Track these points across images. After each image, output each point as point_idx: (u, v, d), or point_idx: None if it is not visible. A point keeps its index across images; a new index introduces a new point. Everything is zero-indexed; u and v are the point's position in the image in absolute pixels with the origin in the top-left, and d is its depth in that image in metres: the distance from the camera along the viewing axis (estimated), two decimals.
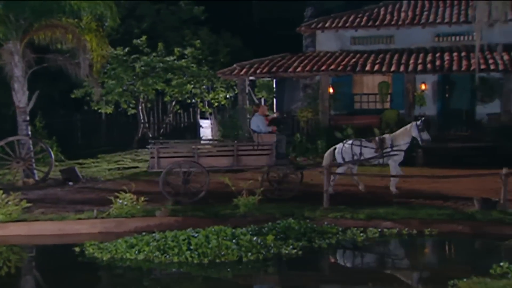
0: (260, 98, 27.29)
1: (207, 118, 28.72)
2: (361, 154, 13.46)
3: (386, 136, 13.66)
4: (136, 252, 9.30)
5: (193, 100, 27.81)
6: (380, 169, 14.80)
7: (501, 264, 8.25)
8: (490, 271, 8.13)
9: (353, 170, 13.85)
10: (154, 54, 25.66)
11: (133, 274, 8.98)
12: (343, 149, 13.65)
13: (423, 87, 21.47)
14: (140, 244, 9.45)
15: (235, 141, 14.21)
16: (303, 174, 13.90)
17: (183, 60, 25.76)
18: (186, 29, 28.55)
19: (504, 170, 11.25)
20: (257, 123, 13.28)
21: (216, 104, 27.67)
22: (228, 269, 8.81)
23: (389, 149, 13.28)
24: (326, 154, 14.09)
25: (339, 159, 13.66)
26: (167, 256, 9.10)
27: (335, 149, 13.87)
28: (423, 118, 13.87)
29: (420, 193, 13.27)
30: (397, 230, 10.71)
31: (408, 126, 13.59)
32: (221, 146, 14.08)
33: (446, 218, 10.93)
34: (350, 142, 13.78)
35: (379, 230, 10.73)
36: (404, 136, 13.43)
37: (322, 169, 12.57)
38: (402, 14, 22.28)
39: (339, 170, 13.60)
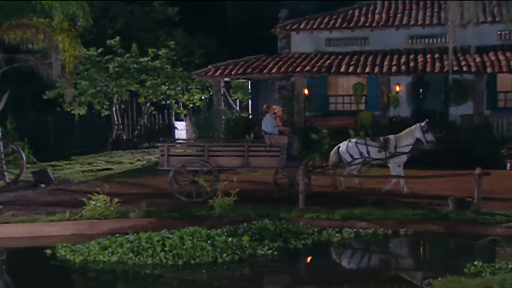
0: (235, 100, 27.24)
1: (182, 120, 28.52)
2: (368, 153, 13.45)
3: (391, 136, 13.60)
4: (110, 254, 9.15)
5: (168, 102, 27.61)
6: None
7: (475, 263, 8.31)
8: (464, 270, 8.18)
9: (344, 171, 13.79)
10: (128, 55, 25.40)
11: (106, 277, 8.83)
12: (348, 147, 13.60)
13: (397, 88, 21.66)
14: (114, 246, 9.31)
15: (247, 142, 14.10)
16: (310, 178, 13.47)
17: (157, 61, 25.56)
18: (160, 30, 28.39)
19: (478, 170, 11.36)
20: (266, 124, 13.10)
21: (191, 105, 27.52)
22: (203, 270, 8.72)
23: (392, 150, 13.28)
24: (331, 154, 14.03)
25: (348, 158, 13.60)
26: (141, 258, 8.97)
27: (339, 147, 13.83)
28: (427, 120, 13.80)
29: (395, 194, 13.32)
30: (372, 230, 10.73)
31: (413, 127, 13.55)
32: (232, 146, 13.84)
33: (421, 218, 10.99)
34: (354, 140, 13.74)
35: (355, 230, 10.74)
36: (408, 137, 13.41)
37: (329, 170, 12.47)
38: (376, 16, 22.41)
39: (352, 168, 13.57)
